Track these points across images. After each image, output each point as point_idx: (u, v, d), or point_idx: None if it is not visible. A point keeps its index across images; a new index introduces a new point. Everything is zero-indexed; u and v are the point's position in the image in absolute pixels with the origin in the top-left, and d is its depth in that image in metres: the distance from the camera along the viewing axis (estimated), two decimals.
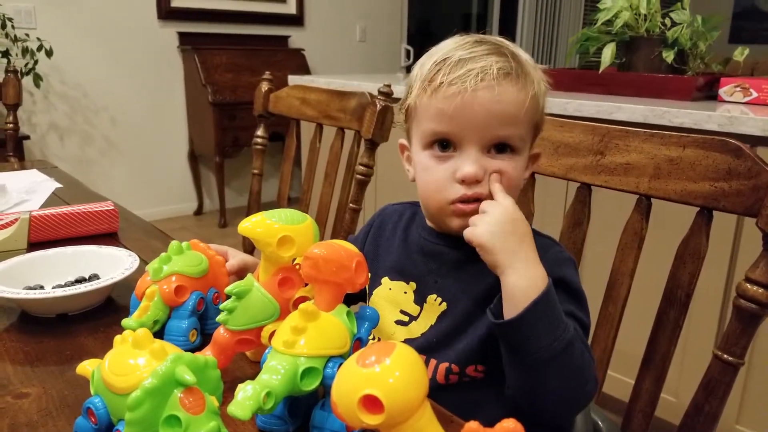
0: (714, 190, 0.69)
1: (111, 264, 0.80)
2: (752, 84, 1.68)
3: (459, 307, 0.67)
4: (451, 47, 0.64)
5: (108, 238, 1.02)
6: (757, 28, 5.24)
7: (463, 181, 0.63)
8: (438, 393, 0.54)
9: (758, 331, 0.66)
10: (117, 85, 3.39)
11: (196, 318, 0.67)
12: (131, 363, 0.46)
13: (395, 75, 3.32)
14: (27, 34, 2.95)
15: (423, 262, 0.71)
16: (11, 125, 1.86)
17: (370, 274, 0.63)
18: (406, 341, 0.68)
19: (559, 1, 5.45)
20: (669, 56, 1.77)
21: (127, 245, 0.96)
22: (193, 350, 0.53)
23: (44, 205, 1.17)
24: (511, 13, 5.33)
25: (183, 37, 3.57)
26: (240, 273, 0.76)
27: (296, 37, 4.04)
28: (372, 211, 2.31)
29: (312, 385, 0.48)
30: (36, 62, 2.91)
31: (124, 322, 0.63)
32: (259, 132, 1.40)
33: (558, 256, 0.66)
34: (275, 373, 0.47)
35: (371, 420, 0.38)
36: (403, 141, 0.73)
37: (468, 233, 0.61)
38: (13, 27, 2.89)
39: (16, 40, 2.90)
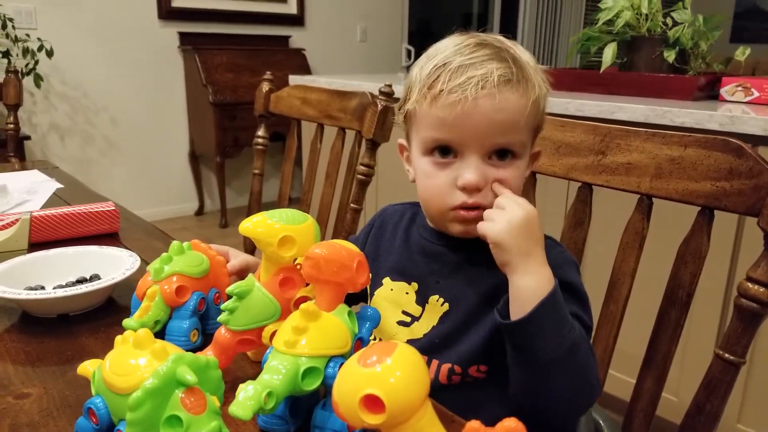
0: (715, 189, 0.68)
1: (112, 264, 0.80)
2: (754, 83, 1.68)
3: (461, 307, 0.67)
4: (450, 50, 0.63)
5: (109, 238, 1.02)
6: (759, 27, 5.24)
7: (464, 189, 0.62)
8: (440, 393, 0.54)
9: (759, 331, 0.66)
10: (117, 86, 3.40)
11: (197, 318, 0.67)
12: (132, 363, 0.46)
13: (396, 75, 3.32)
14: (27, 35, 2.96)
15: (424, 262, 0.71)
16: (12, 125, 1.86)
17: (371, 275, 0.63)
18: (409, 342, 0.68)
19: (560, 1, 5.45)
20: (670, 56, 1.77)
21: (128, 245, 0.96)
22: (194, 350, 0.53)
23: (45, 206, 1.17)
24: (512, 13, 5.33)
25: (183, 37, 3.57)
26: (241, 273, 0.76)
27: (297, 37, 4.04)
28: (373, 211, 2.31)
29: (313, 385, 0.48)
30: (36, 62, 2.91)
31: (125, 322, 0.63)
32: (260, 132, 1.40)
33: (560, 257, 0.66)
34: (276, 373, 0.47)
35: (372, 420, 0.38)
36: (403, 141, 0.72)
37: (483, 228, 0.60)
38: (13, 27, 2.89)
39: (16, 40, 2.90)
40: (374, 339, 0.70)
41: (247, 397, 0.44)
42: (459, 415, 0.55)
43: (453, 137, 0.62)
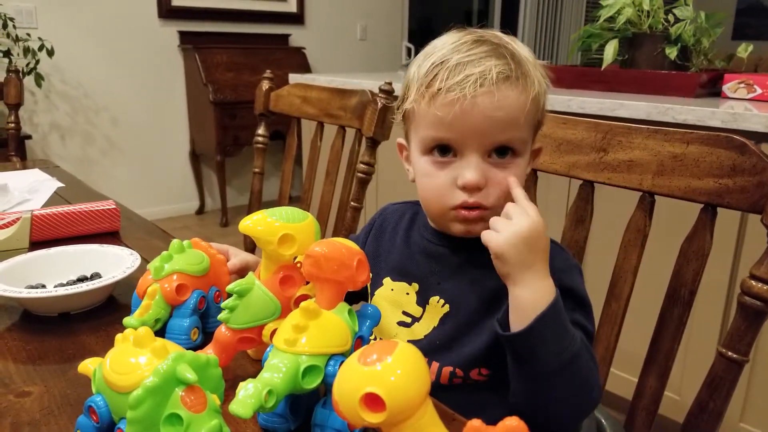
0: (718, 186, 0.68)
1: (112, 263, 0.80)
2: (756, 80, 1.67)
3: (462, 309, 0.67)
4: (448, 48, 0.62)
5: (109, 237, 1.02)
6: (761, 24, 5.22)
7: (464, 188, 0.62)
8: (440, 394, 0.54)
9: (763, 329, 0.66)
10: (118, 85, 3.40)
11: (198, 316, 0.66)
12: (133, 361, 0.46)
13: (396, 73, 3.32)
14: (28, 34, 2.96)
15: (425, 263, 0.70)
16: (13, 125, 1.86)
17: (371, 274, 0.63)
18: (409, 343, 0.68)
19: None
20: (672, 53, 1.76)
21: (129, 244, 0.96)
22: (194, 349, 0.53)
23: (46, 205, 1.17)
24: (513, 10, 5.32)
25: (184, 36, 3.57)
26: (241, 271, 0.76)
27: (297, 36, 4.04)
28: (373, 209, 2.31)
29: (313, 383, 0.48)
30: (37, 62, 2.91)
31: (126, 320, 0.63)
32: (260, 131, 1.40)
33: (565, 263, 0.66)
34: (277, 372, 0.47)
35: (373, 418, 0.38)
36: (402, 141, 0.72)
37: (487, 237, 0.59)
38: (14, 27, 2.89)
39: (17, 39, 2.90)
40: (374, 339, 0.69)
41: (248, 396, 0.44)
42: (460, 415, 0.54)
43: (452, 136, 0.61)
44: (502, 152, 0.62)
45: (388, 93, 1.11)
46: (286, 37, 3.97)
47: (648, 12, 1.79)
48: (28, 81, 2.87)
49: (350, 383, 0.39)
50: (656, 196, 0.75)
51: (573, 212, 0.84)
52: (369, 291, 0.74)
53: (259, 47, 3.73)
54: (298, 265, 0.57)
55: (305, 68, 3.82)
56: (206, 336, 0.66)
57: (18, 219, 0.93)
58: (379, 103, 1.11)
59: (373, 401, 0.37)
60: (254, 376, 0.47)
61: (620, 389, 1.28)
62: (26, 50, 2.88)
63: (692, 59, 1.83)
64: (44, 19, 3.09)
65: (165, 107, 3.60)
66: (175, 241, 0.68)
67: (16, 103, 1.83)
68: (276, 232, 0.55)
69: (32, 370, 0.62)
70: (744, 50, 1.79)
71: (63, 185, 1.33)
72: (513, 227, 0.58)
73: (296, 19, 4.03)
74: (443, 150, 0.63)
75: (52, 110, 3.22)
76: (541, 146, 0.70)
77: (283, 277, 0.57)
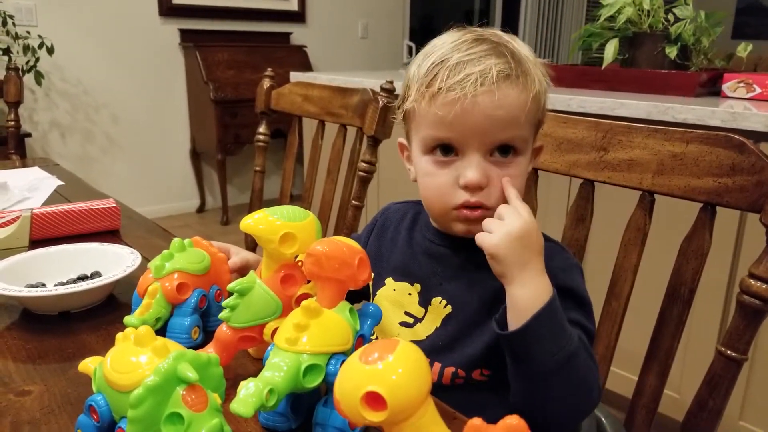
0: (718, 185, 0.68)
1: (113, 261, 0.80)
2: (755, 80, 1.67)
3: (464, 310, 0.67)
4: (448, 47, 0.62)
5: (110, 235, 1.02)
6: (761, 23, 5.22)
7: (466, 187, 0.62)
8: (442, 393, 0.54)
9: (761, 327, 0.66)
10: (118, 83, 3.39)
11: (199, 315, 0.66)
12: (133, 360, 0.46)
13: (397, 71, 3.32)
14: (28, 32, 2.95)
15: (428, 263, 0.70)
16: (12, 123, 1.86)
17: (373, 273, 0.63)
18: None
19: None
20: (672, 52, 1.76)
21: (129, 243, 0.96)
22: (195, 347, 0.53)
23: (46, 203, 1.17)
24: (514, 10, 5.31)
25: (184, 34, 3.57)
26: (242, 270, 0.76)
27: (298, 34, 4.03)
28: (374, 208, 2.31)
29: (315, 382, 0.48)
30: (37, 60, 2.91)
31: (126, 319, 0.63)
32: (261, 129, 1.40)
33: (565, 263, 0.66)
34: (278, 370, 0.47)
35: (374, 417, 0.38)
36: (403, 140, 0.72)
37: (481, 239, 0.60)
38: (14, 24, 2.89)
39: (17, 37, 2.89)
40: (375, 339, 0.69)
41: (249, 394, 0.44)
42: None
43: (453, 135, 0.61)
44: (503, 151, 0.62)
45: (390, 92, 1.11)
46: (287, 35, 3.97)
47: (648, 11, 1.79)
48: (28, 79, 2.86)
49: (351, 382, 0.39)
50: (656, 195, 0.75)
51: (573, 211, 0.84)
52: (371, 291, 0.74)
53: (261, 45, 3.73)
54: (300, 263, 0.57)
55: (306, 66, 3.81)
56: (207, 335, 0.66)
57: (18, 217, 0.93)
58: (381, 102, 1.11)
59: (374, 400, 0.38)
60: (255, 374, 0.47)
61: (620, 387, 1.28)
62: (26, 48, 2.88)
63: (692, 58, 1.83)
64: (44, 17, 3.09)
65: (165, 105, 3.60)
66: (175, 240, 0.68)
67: (15, 101, 1.83)
68: (277, 230, 0.55)
69: (32, 369, 0.62)
70: (743, 50, 1.79)
71: (63, 183, 1.33)
72: (505, 227, 0.58)
73: (297, 17, 4.02)
74: (445, 149, 0.63)
75: (52, 108, 3.22)
76: (542, 144, 0.70)
77: (285, 275, 0.57)
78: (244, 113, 3.44)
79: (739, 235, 1.42)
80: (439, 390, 0.59)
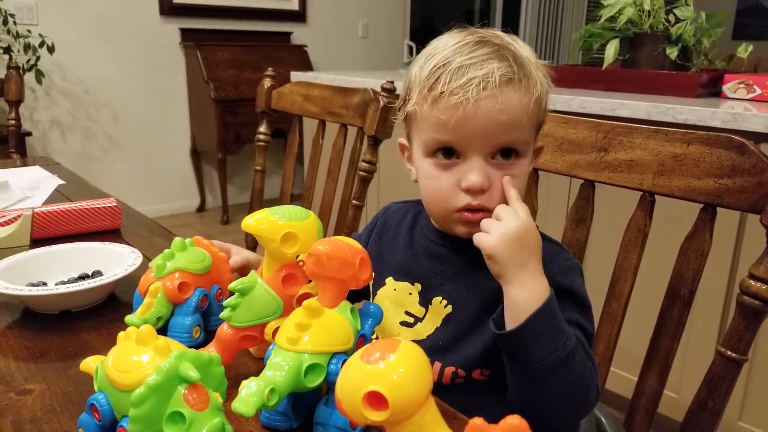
0: (718, 186, 0.68)
1: (114, 260, 0.80)
2: (756, 80, 1.67)
3: (465, 310, 0.67)
4: (450, 50, 0.62)
5: (111, 234, 1.02)
6: (761, 24, 5.22)
7: (467, 191, 0.62)
8: (442, 394, 0.54)
9: (761, 328, 0.66)
10: (119, 82, 3.39)
11: (200, 315, 0.67)
12: (135, 359, 0.46)
13: (398, 71, 3.32)
14: (29, 31, 2.95)
15: (429, 263, 0.70)
16: (13, 122, 1.86)
17: (374, 273, 0.62)
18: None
19: None
20: (673, 53, 1.76)
21: (130, 242, 0.96)
22: (196, 347, 0.53)
23: (47, 202, 1.17)
24: (514, 10, 5.31)
25: (185, 33, 3.57)
26: (243, 270, 0.76)
27: (299, 34, 4.03)
28: (375, 207, 2.31)
29: (316, 381, 0.48)
30: (38, 58, 2.90)
31: (128, 318, 0.64)
32: (262, 128, 1.40)
33: (565, 264, 0.66)
34: (279, 370, 0.47)
35: (375, 416, 0.38)
36: (403, 141, 0.71)
37: (478, 239, 0.60)
38: (15, 23, 2.89)
39: (17, 36, 2.89)
40: (376, 339, 0.70)
41: (250, 394, 0.44)
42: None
43: (455, 139, 0.61)
44: (505, 154, 0.62)
45: (390, 92, 1.11)
46: (288, 34, 3.97)
47: (649, 12, 1.79)
48: (29, 78, 2.86)
49: (353, 381, 0.39)
50: (656, 196, 0.75)
51: (574, 212, 0.84)
52: (371, 290, 0.74)
53: (261, 45, 3.73)
54: (301, 263, 0.58)
55: (307, 66, 3.81)
56: (208, 334, 0.67)
57: (19, 216, 0.93)
58: (381, 102, 1.11)
59: (375, 399, 0.38)
60: (256, 374, 0.47)
61: (620, 388, 1.28)
62: (27, 47, 2.88)
63: (693, 59, 1.83)
64: (45, 16, 3.09)
65: (166, 104, 3.60)
66: (177, 239, 0.68)
67: (16, 100, 1.83)
68: (279, 230, 0.55)
69: (34, 368, 0.62)
70: (744, 50, 1.79)
71: (64, 182, 1.33)
72: (503, 228, 0.59)
73: (298, 16, 4.02)
74: (446, 152, 0.63)
75: (52, 107, 3.22)
76: (542, 144, 0.70)
77: (286, 275, 0.57)
78: (245, 113, 3.44)
79: (739, 236, 1.42)
80: (439, 389, 0.59)
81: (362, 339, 0.53)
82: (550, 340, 0.57)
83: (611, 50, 1.80)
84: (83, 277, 0.79)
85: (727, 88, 1.72)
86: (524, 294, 0.58)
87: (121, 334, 0.49)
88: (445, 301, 0.68)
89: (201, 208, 3.85)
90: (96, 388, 0.48)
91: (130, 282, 0.76)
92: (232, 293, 0.56)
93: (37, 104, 3.16)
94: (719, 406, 0.68)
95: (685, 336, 0.74)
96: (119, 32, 3.35)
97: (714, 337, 1.50)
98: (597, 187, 0.82)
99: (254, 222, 0.55)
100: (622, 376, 1.50)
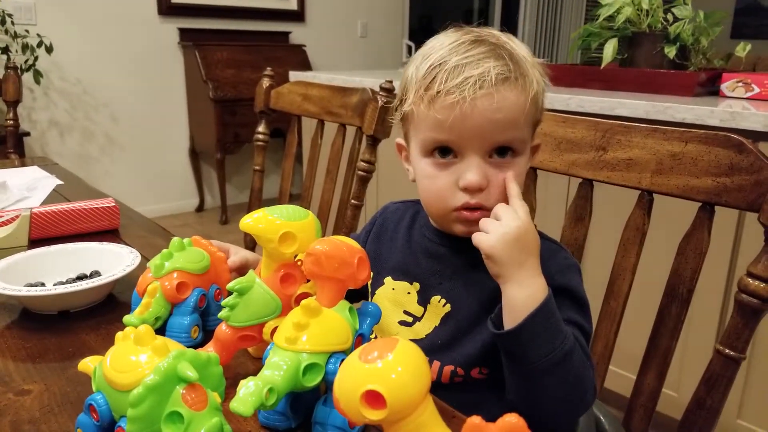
0: (716, 185, 0.68)
1: (112, 261, 0.80)
2: (754, 79, 1.67)
3: (463, 309, 0.67)
4: (446, 49, 0.61)
5: (109, 234, 1.02)
6: (759, 23, 5.22)
7: (465, 189, 0.62)
8: (441, 392, 0.54)
9: (760, 326, 0.66)
10: (117, 82, 3.39)
11: (198, 314, 0.67)
12: (133, 360, 0.46)
13: (397, 71, 3.32)
14: (27, 30, 2.95)
15: (427, 263, 0.70)
16: (11, 122, 1.86)
17: (372, 273, 0.62)
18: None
19: None
20: (671, 52, 1.76)
21: (129, 242, 0.96)
22: (195, 347, 0.53)
23: (45, 202, 1.17)
24: (513, 9, 5.31)
25: (183, 33, 3.56)
26: (241, 269, 0.76)
27: (297, 33, 4.03)
28: (374, 207, 2.31)
29: (314, 381, 0.48)
30: (36, 58, 2.90)
31: (126, 318, 0.64)
32: (261, 128, 1.40)
33: (563, 262, 0.66)
34: (277, 369, 0.47)
35: (374, 415, 0.38)
36: (401, 141, 0.71)
37: (477, 239, 0.60)
38: (12, 23, 2.88)
39: (15, 36, 2.89)
40: (374, 338, 0.70)
41: (248, 393, 0.44)
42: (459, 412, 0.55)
43: (452, 138, 0.61)
44: (502, 152, 0.62)
45: (389, 91, 1.11)
46: (286, 34, 3.97)
47: (647, 11, 1.79)
48: (27, 78, 2.86)
49: (351, 381, 0.39)
50: (655, 195, 0.75)
51: (572, 210, 0.84)
52: (369, 290, 0.74)
53: (260, 44, 3.73)
54: (299, 263, 0.58)
55: (306, 66, 3.81)
56: (207, 334, 0.66)
57: (17, 217, 0.93)
58: (380, 102, 1.11)
59: (374, 398, 0.38)
60: (255, 374, 0.47)
61: (618, 386, 1.29)
62: (25, 47, 2.88)
63: (691, 58, 1.83)
64: (43, 16, 3.09)
65: (165, 104, 3.60)
66: (175, 239, 0.68)
67: (14, 100, 1.83)
68: (277, 230, 0.55)
69: (32, 369, 0.62)
70: (742, 49, 1.79)
71: (62, 183, 1.33)
72: (502, 228, 0.59)
73: (297, 16, 4.02)
74: (444, 151, 0.63)
75: (50, 107, 3.22)
76: (539, 142, 0.70)
77: (284, 275, 0.57)
78: (244, 112, 3.44)
79: (737, 235, 1.43)
80: (438, 388, 0.59)
81: (361, 338, 0.53)
82: (548, 339, 0.57)
83: (609, 49, 1.80)
84: (81, 278, 0.79)
85: (725, 87, 1.72)
86: (522, 293, 0.58)
87: (119, 334, 0.49)
88: (443, 301, 0.68)
89: (200, 208, 3.85)
90: (94, 388, 0.48)
91: (128, 282, 0.76)
92: (230, 293, 0.56)
93: (35, 104, 3.16)
94: (718, 404, 0.68)
95: (684, 334, 0.74)
96: (118, 32, 3.35)
97: (712, 336, 1.50)
98: (595, 186, 0.82)
99: (252, 221, 0.55)
100: (621, 374, 1.50)
